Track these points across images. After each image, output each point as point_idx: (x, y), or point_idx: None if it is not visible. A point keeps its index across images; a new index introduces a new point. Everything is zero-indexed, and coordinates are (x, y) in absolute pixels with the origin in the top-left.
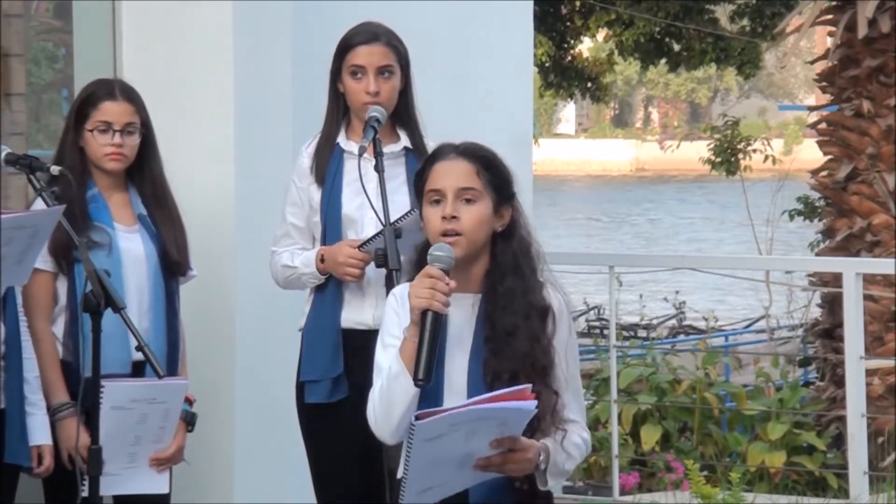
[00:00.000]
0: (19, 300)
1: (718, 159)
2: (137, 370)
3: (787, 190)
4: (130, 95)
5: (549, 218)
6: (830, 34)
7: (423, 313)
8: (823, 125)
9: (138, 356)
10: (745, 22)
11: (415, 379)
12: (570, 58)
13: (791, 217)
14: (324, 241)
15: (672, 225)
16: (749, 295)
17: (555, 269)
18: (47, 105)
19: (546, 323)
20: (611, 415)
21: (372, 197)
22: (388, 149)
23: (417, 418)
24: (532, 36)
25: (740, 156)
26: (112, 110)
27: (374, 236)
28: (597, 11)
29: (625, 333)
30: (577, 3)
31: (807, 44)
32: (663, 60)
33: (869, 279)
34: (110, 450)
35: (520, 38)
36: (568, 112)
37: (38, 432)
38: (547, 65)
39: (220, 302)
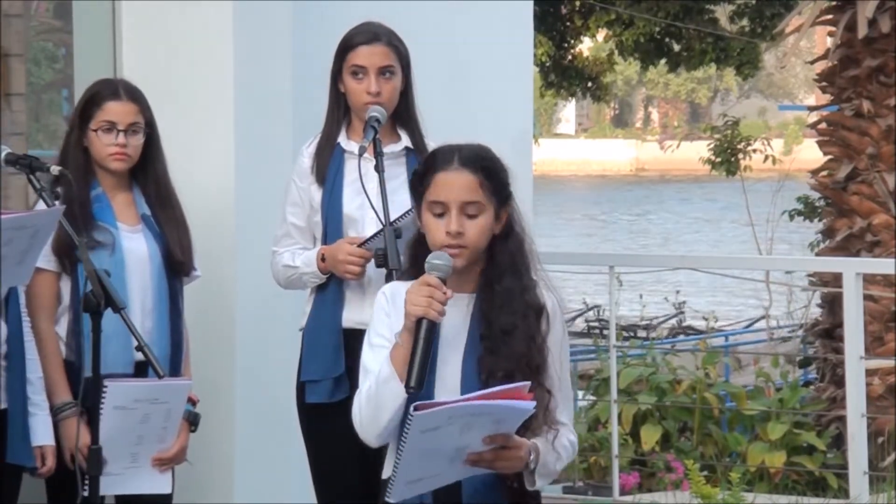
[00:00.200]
0: (22, 300)
1: (718, 159)
2: (140, 370)
3: (787, 190)
4: (135, 95)
5: (549, 218)
6: (830, 34)
7: (418, 321)
8: (823, 125)
9: (141, 356)
10: (745, 22)
11: (407, 386)
12: (570, 57)
13: (791, 217)
14: (324, 241)
15: (672, 225)
16: (749, 295)
17: (555, 270)
18: (47, 105)
19: (541, 322)
20: (611, 415)
21: (372, 197)
22: (388, 149)
23: (416, 409)
24: (532, 36)
25: (740, 156)
26: (116, 110)
27: (373, 235)
28: (597, 11)
29: (625, 333)
30: (577, 3)
31: (807, 44)
32: (663, 60)
33: (869, 279)
34: (113, 449)
35: (520, 38)
36: (568, 112)
37: (41, 433)
38: (547, 65)
39: (220, 302)
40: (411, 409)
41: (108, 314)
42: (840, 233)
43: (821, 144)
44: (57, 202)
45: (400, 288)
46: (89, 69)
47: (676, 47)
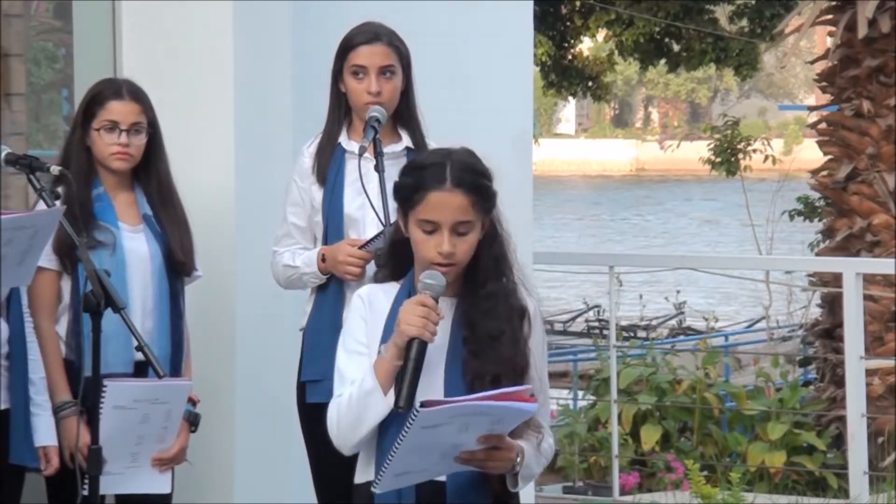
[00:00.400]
0: (24, 300)
1: (718, 159)
2: (140, 370)
3: (787, 190)
4: (138, 95)
5: (549, 218)
6: (830, 34)
7: (410, 340)
8: (823, 125)
9: (141, 356)
10: (745, 22)
11: (396, 405)
12: (570, 57)
13: (791, 217)
14: (325, 241)
15: (672, 225)
16: (749, 295)
17: (555, 270)
18: (47, 105)
19: (524, 325)
20: (611, 415)
21: (372, 197)
22: (389, 149)
23: (422, 405)
24: (532, 36)
25: (740, 156)
26: (119, 109)
27: (374, 237)
28: (597, 11)
29: (625, 333)
30: (577, 3)
31: (807, 44)
32: (663, 60)
33: (869, 279)
34: (112, 449)
35: (520, 38)
36: (568, 112)
37: (44, 433)
38: (547, 65)
39: (220, 302)
40: (417, 404)
41: (109, 314)
42: (840, 233)
43: (821, 144)
44: (57, 202)
45: (377, 291)
46: (89, 69)
47: (676, 47)
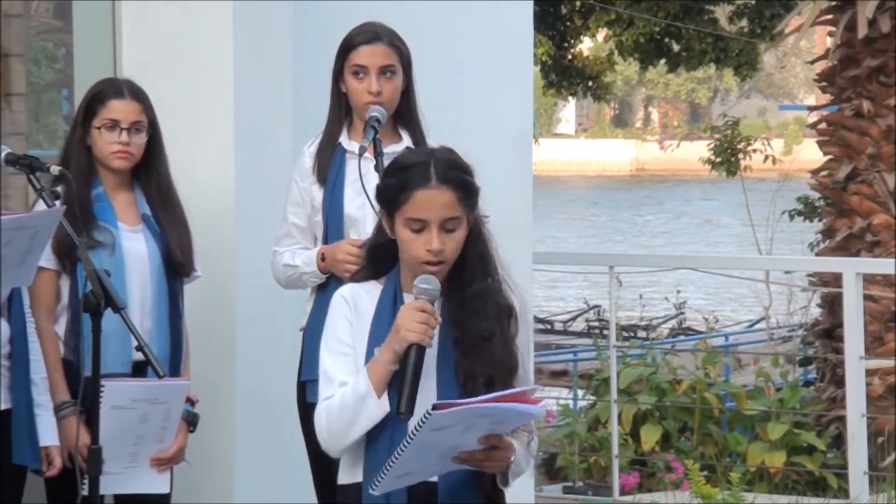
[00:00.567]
0: (26, 301)
1: (718, 159)
2: (138, 370)
3: (787, 190)
4: (138, 94)
5: (548, 218)
6: (830, 34)
7: (409, 346)
8: (823, 125)
9: (139, 356)
10: (745, 22)
11: (397, 411)
12: (570, 57)
13: (791, 217)
14: (325, 241)
15: (672, 225)
16: (749, 295)
17: (555, 270)
18: (47, 105)
19: (511, 323)
20: (611, 415)
21: (372, 197)
22: (389, 149)
23: (435, 408)
24: (532, 36)
25: (740, 156)
26: (120, 108)
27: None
28: (597, 11)
29: (625, 333)
30: (577, 3)
31: (807, 44)
32: (663, 60)
33: (869, 279)
34: (111, 449)
35: (520, 38)
36: (568, 112)
37: (46, 433)
38: (547, 64)
39: (220, 302)
40: (429, 407)
41: (107, 314)
42: (840, 233)
43: (821, 144)
44: (57, 202)
45: (359, 291)
46: (89, 69)
47: (676, 47)
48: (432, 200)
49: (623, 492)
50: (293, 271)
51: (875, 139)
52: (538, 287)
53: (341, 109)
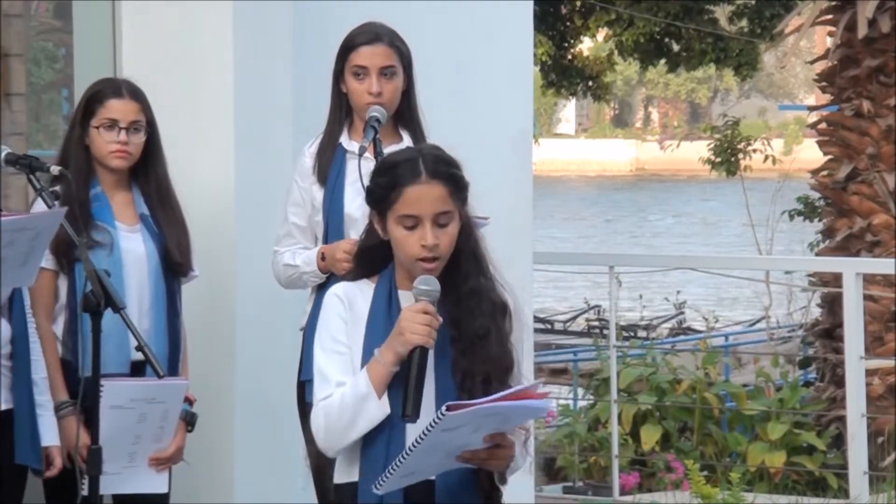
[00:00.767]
0: (27, 301)
1: (718, 159)
2: (136, 370)
3: (787, 190)
4: (137, 94)
5: (548, 218)
6: (830, 34)
7: (413, 347)
8: (823, 125)
9: (137, 356)
10: (745, 22)
11: (403, 414)
12: (570, 57)
13: (791, 217)
14: (326, 241)
15: (672, 225)
16: (749, 295)
17: (555, 270)
18: (47, 105)
19: (506, 321)
20: (611, 415)
21: None
22: (390, 149)
23: (448, 409)
24: (532, 36)
25: (740, 156)
26: (118, 108)
27: None
28: (597, 11)
29: (625, 333)
30: (577, 3)
31: (807, 44)
32: (663, 60)
33: (869, 279)
34: (110, 449)
35: (520, 38)
36: (568, 112)
37: (47, 433)
38: (547, 64)
39: (220, 302)
40: (443, 408)
41: (105, 314)
42: (840, 233)
43: (821, 144)
44: (57, 202)
45: (353, 290)
46: (89, 69)
47: (676, 47)
48: (424, 195)
49: (623, 492)
50: (293, 271)
51: (875, 139)
52: (538, 287)
53: (342, 110)
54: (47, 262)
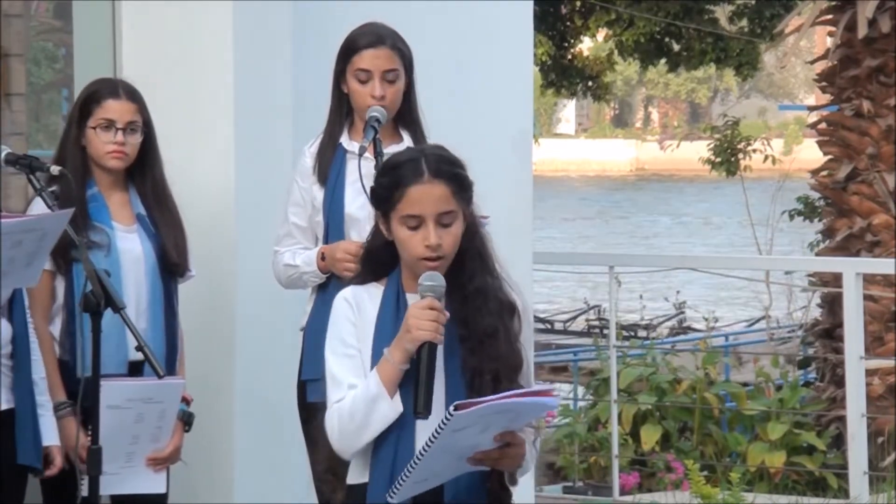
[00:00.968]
0: (27, 301)
1: (718, 159)
2: (133, 370)
3: (787, 190)
4: (133, 95)
5: (548, 218)
6: (830, 34)
7: (421, 344)
8: (823, 125)
9: (134, 356)
10: (745, 22)
11: (415, 411)
12: (570, 57)
13: (791, 217)
14: (326, 241)
15: (672, 225)
16: (749, 295)
17: (555, 270)
18: (47, 105)
19: (514, 320)
20: (611, 415)
21: None
22: (390, 149)
23: (456, 408)
24: (532, 36)
25: (740, 156)
26: (115, 108)
27: None
28: (597, 11)
29: (625, 333)
30: (577, 3)
31: (807, 44)
32: (663, 60)
33: (869, 279)
34: (108, 449)
35: (520, 38)
36: (568, 112)
37: (47, 433)
38: (547, 64)
39: (220, 302)
40: (451, 408)
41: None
42: (840, 233)
43: (821, 144)
44: (56, 202)
45: (361, 293)
46: (89, 69)
47: (676, 47)
48: (426, 195)
49: (623, 492)
50: (294, 271)
51: (875, 139)
52: (538, 287)
53: (342, 110)
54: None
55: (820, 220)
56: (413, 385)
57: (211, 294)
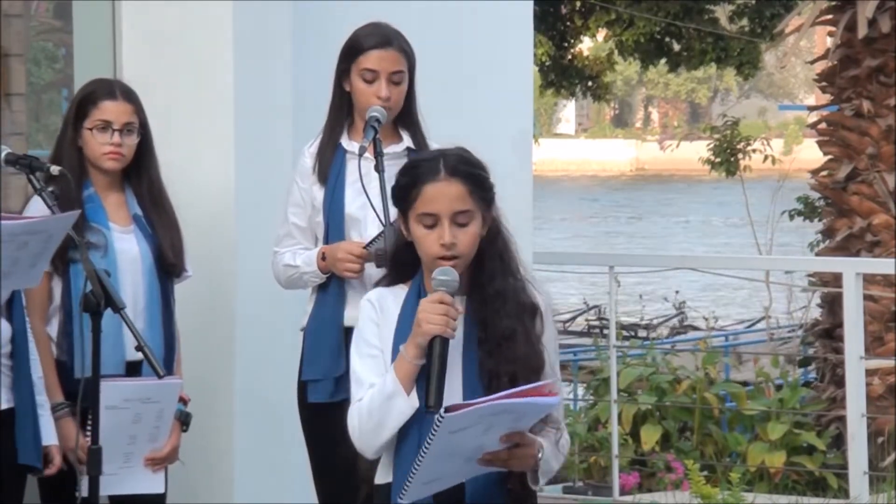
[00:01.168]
0: (24, 301)
1: (718, 159)
2: (131, 370)
3: (787, 190)
4: (130, 96)
5: (548, 218)
6: (830, 34)
7: (432, 339)
8: (823, 125)
9: (132, 357)
10: (745, 22)
11: (426, 405)
12: (570, 57)
13: (791, 217)
14: (326, 241)
15: (672, 225)
16: (749, 295)
17: (555, 270)
18: (47, 105)
19: (535, 322)
20: (611, 415)
21: (373, 197)
22: (390, 149)
23: (447, 410)
24: (532, 36)
25: (740, 156)
26: (112, 109)
27: (376, 237)
28: (597, 11)
29: (625, 333)
30: (577, 3)
31: (807, 44)
32: (663, 60)
33: (869, 279)
34: (105, 450)
35: (520, 38)
36: (568, 112)
37: (46, 432)
38: (547, 64)
39: (220, 302)
40: (441, 410)
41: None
42: (840, 233)
43: (821, 144)
44: (56, 202)
45: (386, 294)
46: (89, 69)
47: (676, 47)
48: (441, 193)
49: (623, 492)
50: (294, 271)
51: (875, 139)
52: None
53: (343, 109)
54: None
55: (820, 220)
56: (425, 379)
57: (211, 294)
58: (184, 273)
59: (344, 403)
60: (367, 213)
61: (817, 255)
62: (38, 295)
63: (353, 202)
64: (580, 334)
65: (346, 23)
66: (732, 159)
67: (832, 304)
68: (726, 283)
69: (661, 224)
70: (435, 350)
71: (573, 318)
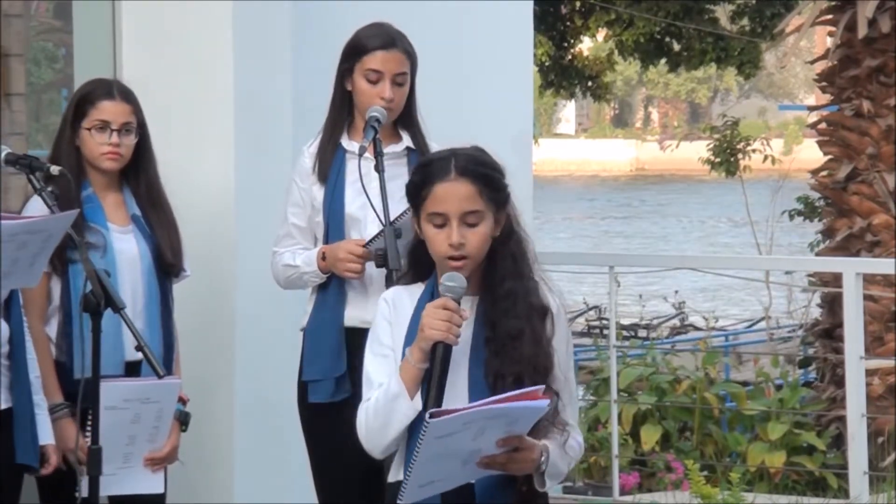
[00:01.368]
0: (21, 301)
1: (718, 160)
2: (130, 370)
3: (787, 190)
4: (128, 96)
5: (548, 218)
6: (830, 34)
7: (435, 344)
8: (823, 125)
9: (131, 357)
10: (745, 22)
11: (425, 410)
12: (570, 57)
13: (791, 217)
14: (326, 241)
15: (672, 225)
16: (749, 295)
17: (555, 269)
18: (47, 105)
19: (545, 324)
20: (611, 415)
21: (373, 197)
22: (390, 149)
23: (431, 416)
24: (532, 36)
25: (740, 156)
26: (110, 109)
27: (375, 236)
28: (597, 11)
29: (625, 333)
30: (577, 3)
31: (807, 44)
32: (663, 60)
33: (869, 279)
34: (105, 450)
35: (520, 38)
36: (568, 112)
37: (43, 432)
38: (547, 64)
39: (220, 302)
40: (427, 415)
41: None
42: (840, 233)
43: (821, 144)
44: (56, 202)
45: (402, 293)
46: (89, 69)
47: (676, 47)
48: (451, 193)
49: (623, 492)
50: (293, 271)
51: (875, 139)
52: None
53: (343, 109)
54: None
55: (820, 220)
56: (426, 384)
57: (210, 294)
58: (182, 273)
59: (344, 403)
60: (367, 213)
61: (817, 255)
62: (37, 295)
63: (353, 202)
64: (580, 334)
65: (347, 23)
66: (732, 159)
67: (832, 304)
68: (726, 283)
69: (661, 224)
70: (437, 355)
71: (573, 319)
